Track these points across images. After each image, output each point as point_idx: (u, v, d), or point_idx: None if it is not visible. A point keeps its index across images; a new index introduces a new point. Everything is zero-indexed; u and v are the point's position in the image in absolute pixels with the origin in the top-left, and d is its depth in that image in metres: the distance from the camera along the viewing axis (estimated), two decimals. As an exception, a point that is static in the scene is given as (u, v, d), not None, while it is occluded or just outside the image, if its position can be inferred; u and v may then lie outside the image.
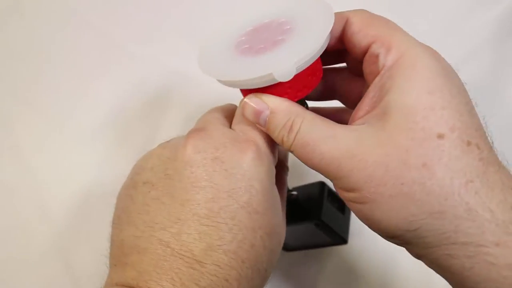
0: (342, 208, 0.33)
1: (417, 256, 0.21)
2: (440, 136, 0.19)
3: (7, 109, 0.43)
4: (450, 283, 0.21)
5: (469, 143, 0.19)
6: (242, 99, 0.24)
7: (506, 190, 0.19)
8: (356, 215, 0.22)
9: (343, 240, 0.32)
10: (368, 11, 0.24)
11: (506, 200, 0.19)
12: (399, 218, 0.20)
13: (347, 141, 0.21)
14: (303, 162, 0.22)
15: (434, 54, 0.22)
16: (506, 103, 0.42)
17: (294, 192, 0.33)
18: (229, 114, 0.26)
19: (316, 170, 0.22)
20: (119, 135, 0.42)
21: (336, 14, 0.23)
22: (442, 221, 0.19)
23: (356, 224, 0.33)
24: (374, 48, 0.22)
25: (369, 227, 0.21)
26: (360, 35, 0.23)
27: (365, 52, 0.23)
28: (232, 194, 0.21)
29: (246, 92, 0.24)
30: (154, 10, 0.47)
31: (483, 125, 0.21)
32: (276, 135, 0.23)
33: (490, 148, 0.20)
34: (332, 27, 0.22)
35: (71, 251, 0.37)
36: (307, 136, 0.21)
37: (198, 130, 0.23)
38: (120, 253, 0.21)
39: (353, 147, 0.20)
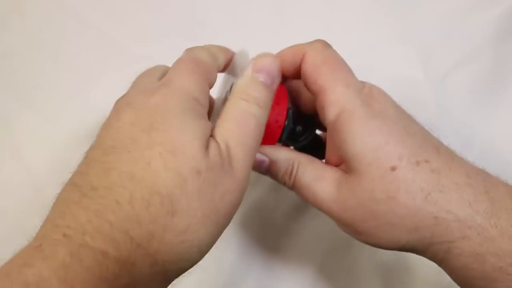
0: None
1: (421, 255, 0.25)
2: (393, 168, 0.23)
3: (7, 109, 0.43)
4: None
5: (418, 163, 0.23)
6: None
7: (461, 188, 0.22)
8: (358, 240, 0.25)
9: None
10: (323, 49, 0.27)
11: (463, 198, 0.22)
12: (390, 241, 0.24)
13: (331, 186, 0.25)
14: (305, 201, 0.27)
15: (367, 99, 0.25)
16: (506, 103, 0.42)
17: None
18: (161, 74, 0.25)
19: (316, 207, 0.26)
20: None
21: (297, 46, 0.27)
22: (419, 233, 0.23)
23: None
24: (320, 99, 0.25)
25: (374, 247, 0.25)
26: (310, 81, 0.26)
27: (315, 94, 0.26)
28: (135, 122, 0.21)
29: None
30: (154, 10, 0.47)
31: (427, 128, 0.25)
32: (280, 179, 0.27)
33: (438, 153, 0.24)
34: (292, 59, 0.26)
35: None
36: (302, 178, 0.26)
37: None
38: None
39: (334, 192, 0.25)
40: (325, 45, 0.27)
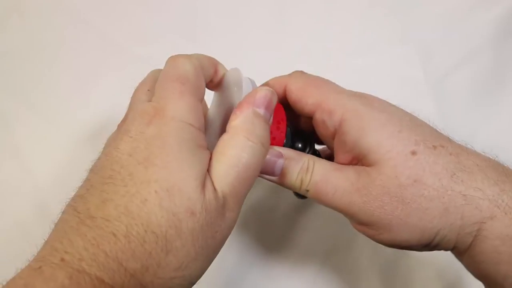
0: None
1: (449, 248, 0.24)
2: (413, 153, 0.23)
3: (7, 109, 0.43)
4: (469, 269, 0.24)
5: (434, 147, 0.23)
6: None
7: (483, 169, 0.23)
8: (383, 244, 0.24)
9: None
10: (302, 75, 0.27)
11: (488, 177, 0.22)
12: (421, 231, 0.23)
13: (350, 176, 0.24)
14: (320, 202, 0.26)
15: (366, 100, 0.25)
16: (506, 103, 0.42)
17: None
18: (153, 84, 0.25)
19: (333, 208, 0.25)
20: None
21: (276, 79, 0.28)
22: (449, 215, 0.22)
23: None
24: (318, 116, 0.26)
25: (401, 248, 0.24)
26: (301, 105, 0.26)
27: (310, 117, 0.27)
28: (132, 153, 0.21)
29: None
30: (154, 10, 0.47)
31: (428, 122, 0.25)
32: (295, 178, 0.26)
33: (450, 141, 0.24)
34: (276, 91, 0.25)
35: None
36: (321, 172, 0.25)
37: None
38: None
39: (355, 181, 0.24)
40: (303, 72, 0.27)
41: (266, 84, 0.28)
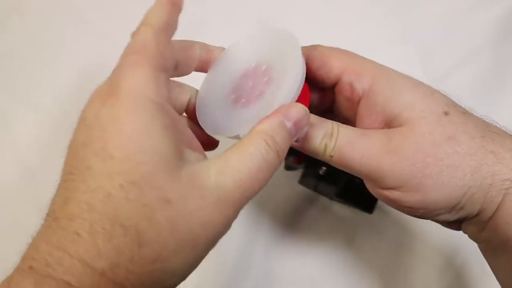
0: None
1: (472, 222, 0.24)
2: (446, 113, 0.23)
3: (7, 109, 0.43)
4: (488, 238, 0.24)
5: (463, 113, 0.24)
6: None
7: (507, 134, 0.23)
8: (408, 208, 0.24)
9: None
10: (323, 46, 0.27)
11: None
12: (451, 189, 0.22)
13: (378, 138, 0.24)
14: (343, 167, 0.25)
15: (389, 68, 0.26)
16: (506, 103, 0.42)
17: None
18: None
19: (357, 173, 0.24)
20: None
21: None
22: (480, 173, 0.22)
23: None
24: (345, 79, 0.25)
25: (427, 214, 0.24)
26: (327, 67, 0.26)
27: (334, 82, 0.26)
28: (88, 143, 0.19)
29: None
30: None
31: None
32: (319, 144, 0.24)
33: (471, 113, 0.25)
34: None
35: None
36: (346, 137, 0.24)
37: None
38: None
39: (385, 143, 0.23)
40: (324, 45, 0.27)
41: None
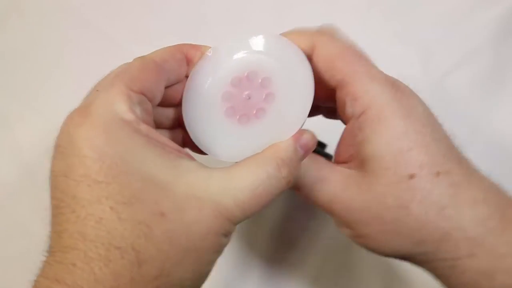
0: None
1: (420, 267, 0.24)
2: (411, 176, 0.22)
3: (7, 109, 0.43)
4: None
5: (438, 174, 0.22)
6: None
7: (478, 204, 0.21)
8: (358, 245, 0.24)
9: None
10: (333, 40, 0.24)
11: (477, 216, 0.21)
12: (390, 248, 0.23)
13: (335, 187, 0.24)
14: (305, 201, 0.25)
15: (396, 94, 0.23)
16: (506, 103, 0.42)
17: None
18: None
19: (317, 207, 0.25)
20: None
21: (303, 34, 0.24)
22: (424, 246, 0.22)
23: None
24: (342, 94, 0.24)
25: (371, 252, 0.24)
26: (327, 76, 0.24)
27: (333, 89, 0.24)
28: (68, 173, 0.19)
29: None
30: (154, 10, 0.47)
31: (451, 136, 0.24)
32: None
33: (459, 164, 0.22)
34: (300, 47, 0.23)
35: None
36: (304, 181, 0.24)
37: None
38: None
39: (339, 193, 0.23)
40: (334, 33, 0.25)
41: (290, 32, 0.25)
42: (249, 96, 0.24)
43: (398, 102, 0.23)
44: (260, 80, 0.24)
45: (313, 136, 0.23)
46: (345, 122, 0.25)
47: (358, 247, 0.39)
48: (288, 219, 0.39)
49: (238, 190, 0.20)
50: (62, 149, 0.19)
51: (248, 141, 0.23)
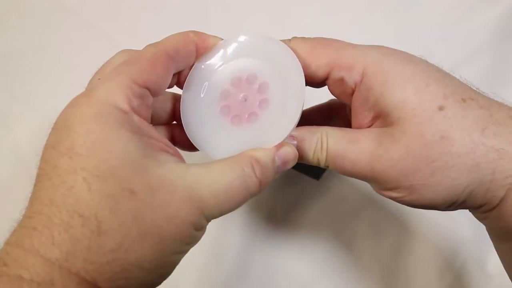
0: None
1: (476, 211, 0.23)
2: (441, 108, 0.21)
3: (7, 109, 0.43)
4: (492, 226, 0.23)
5: (464, 100, 0.22)
6: None
7: None
8: (409, 206, 0.23)
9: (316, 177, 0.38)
10: (304, 39, 0.25)
11: None
12: (447, 189, 0.22)
13: (369, 144, 0.23)
14: (342, 174, 0.24)
15: (387, 51, 0.24)
16: (506, 103, 0.42)
17: None
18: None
19: (355, 177, 0.24)
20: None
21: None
22: (480, 171, 0.21)
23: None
24: (335, 74, 0.24)
25: (426, 209, 0.23)
26: (313, 68, 0.24)
27: (324, 79, 0.25)
28: (56, 145, 0.20)
29: None
30: (153, 11, 0.47)
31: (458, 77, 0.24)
32: (312, 158, 0.25)
33: (479, 93, 0.23)
34: None
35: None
36: (335, 148, 0.24)
37: None
38: None
39: (376, 148, 0.23)
40: (303, 37, 0.26)
41: None
42: (245, 98, 0.25)
43: (392, 56, 0.23)
44: (258, 85, 0.24)
45: (294, 150, 0.24)
46: (346, 120, 0.25)
47: (358, 246, 0.39)
48: (288, 220, 0.39)
49: (214, 182, 0.20)
50: (57, 126, 0.21)
51: (236, 142, 0.24)
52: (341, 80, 0.24)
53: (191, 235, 0.20)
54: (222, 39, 0.26)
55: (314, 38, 0.25)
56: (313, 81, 0.25)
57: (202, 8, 0.47)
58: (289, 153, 0.24)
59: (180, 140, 0.26)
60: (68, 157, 0.19)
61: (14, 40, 0.47)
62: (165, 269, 0.20)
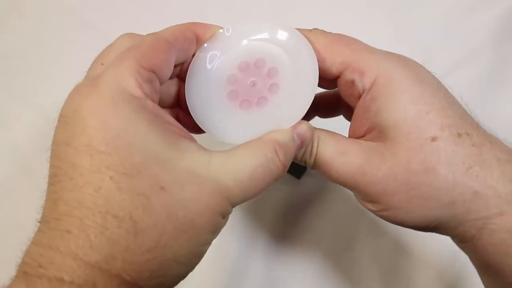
0: None
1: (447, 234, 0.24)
2: (434, 139, 0.22)
3: (7, 109, 0.43)
4: (469, 256, 0.24)
5: (459, 135, 0.22)
6: None
7: (503, 164, 0.22)
8: (383, 219, 0.24)
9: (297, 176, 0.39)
10: (325, 33, 0.25)
11: (505, 173, 0.21)
12: (420, 216, 0.22)
13: (357, 158, 0.23)
14: (325, 178, 0.25)
15: (403, 63, 0.23)
16: (506, 103, 0.42)
17: None
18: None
19: (339, 184, 0.24)
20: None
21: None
22: (454, 208, 0.21)
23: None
24: (347, 75, 0.24)
25: (398, 225, 0.24)
26: (328, 64, 0.24)
27: (336, 77, 0.24)
28: (69, 142, 0.19)
29: None
30: (154, 10, 0.47)
31: (464, 106, 0.24)
32: (299, 159, 0.25)
33: (478, 128, 0.23)
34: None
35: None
36: (324, 156, 0.24)
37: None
38: None
39: (362, 163, 0.23)
40: (325, 31, 0.25)
41: None
42: (254, 83, 0.24)
43: (407, 68, 0.23)
44: (267, 70, 0.24)
45: (310, 127, 0.23)
46: (347, 118, 0.25)
47: (357, 247, 0.39)
48: (288, 220, 0.39)
49: (238, 170, 0.20)
50: (66, 119, 0.19)
51: (246, 127, 0.23)
52: (352, 82, 0.24)
53: (220, 224, 0.20)
54: (222, 28, 0.25)
55: (335, 34, 0.25)
56: (325, 76, 0.25)
57: (202, 8, 0.47)
58: (306, 131, 0.23)
59: (185, 122, 0.26)
60: (88, 154, 0.18)
61: (14, 40, 0.47)
62: (196, 260, 0.20)
